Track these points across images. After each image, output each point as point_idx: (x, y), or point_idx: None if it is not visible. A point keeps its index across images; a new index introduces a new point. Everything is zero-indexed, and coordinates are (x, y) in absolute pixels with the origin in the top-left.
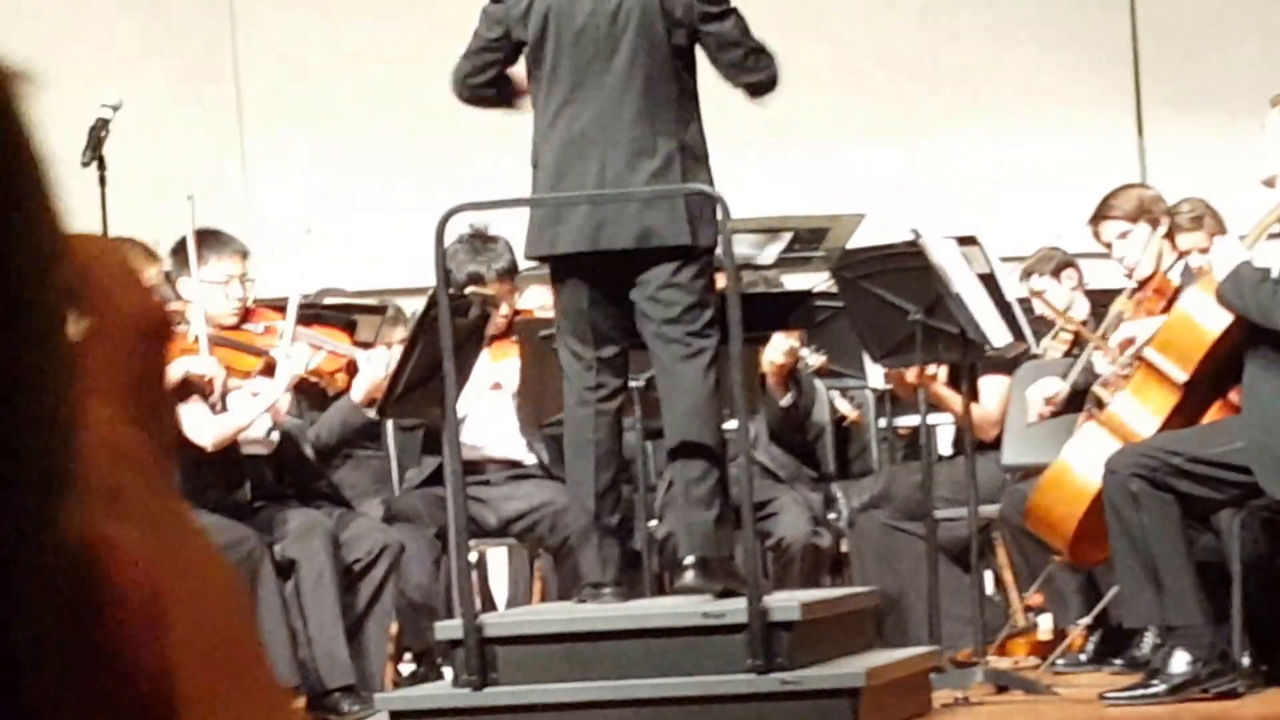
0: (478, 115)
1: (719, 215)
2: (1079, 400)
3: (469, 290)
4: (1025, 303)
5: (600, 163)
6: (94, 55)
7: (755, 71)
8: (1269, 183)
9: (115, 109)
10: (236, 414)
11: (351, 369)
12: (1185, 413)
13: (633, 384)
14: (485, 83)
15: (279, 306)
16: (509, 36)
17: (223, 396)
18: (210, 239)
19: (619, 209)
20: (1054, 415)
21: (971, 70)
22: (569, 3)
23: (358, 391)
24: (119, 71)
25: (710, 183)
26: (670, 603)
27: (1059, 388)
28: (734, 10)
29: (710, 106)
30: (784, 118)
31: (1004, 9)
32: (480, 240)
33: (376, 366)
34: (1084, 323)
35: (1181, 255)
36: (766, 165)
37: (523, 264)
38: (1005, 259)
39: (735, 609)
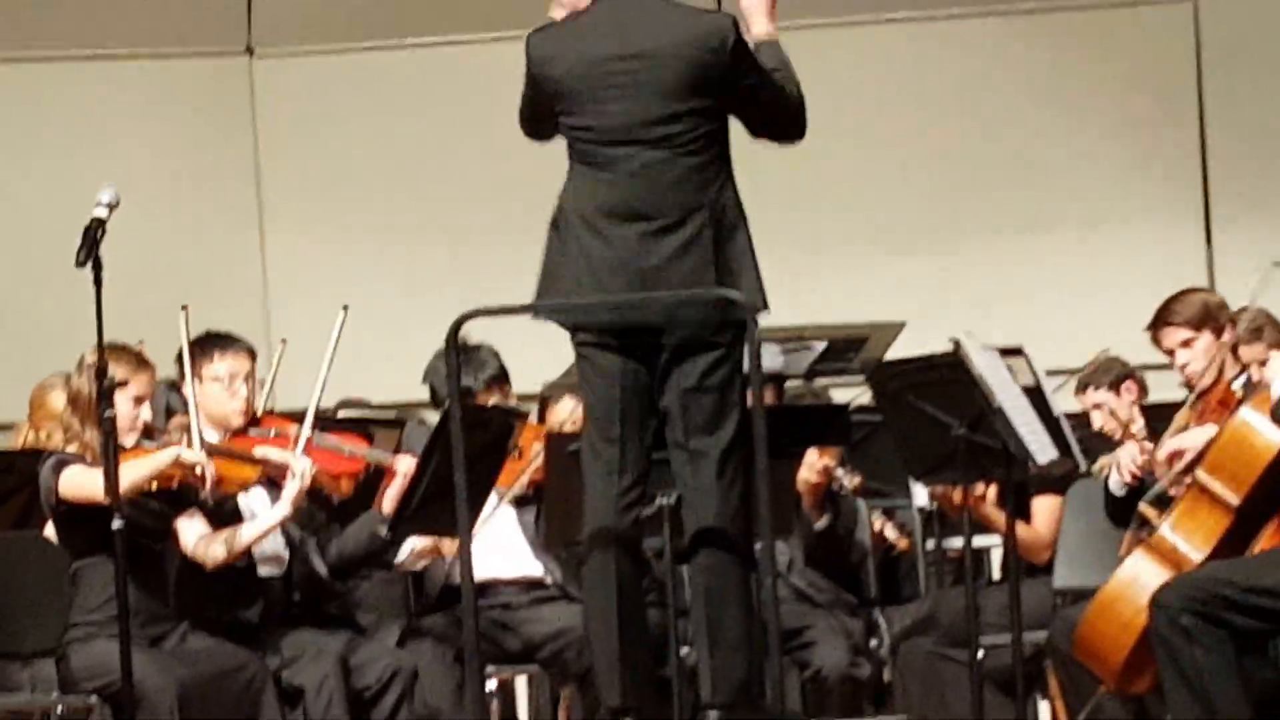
0: (503, 222)
1: (749, 326)
2: (1125, 515)
3: (492, 403)
4: (1083, 417)
5: (625, 235)
6: (111, 155)
7: (788, 134)
8: None
9: (112, 207)
10: (243, 531)
11: (366, 481)
12: (1237, 535)
13: (663, 501)
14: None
15: (292, 417)
16: (553, 108)
17: (213, 493)
18: (215, 339)
19: (651, 288)
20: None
21: (1032, 173)
22: (591, 65)
23: (389, 503)
24: (140, 172)
25: (749, 248)
26: None
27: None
28: (766, 73)
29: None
30: (830, 223)
31: (1066, 112)
32: (462, 351)
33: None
34: (1144, 439)
35: (1244, 367)
36: (805, 270)
37: (553, 374)
38: (1066, 370)
39: None
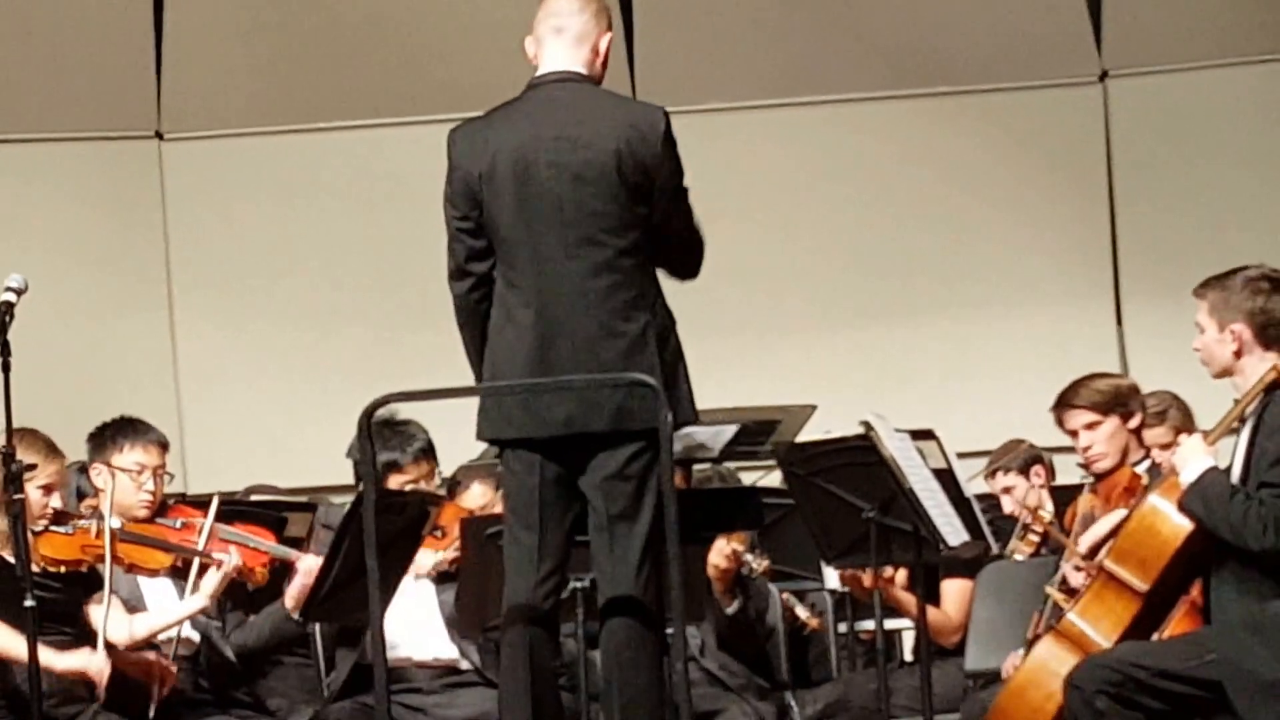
0: (417, 305)
1: (661, 409)
2: None
3: (409, 487)
4: (992, 499)
5: (569, 343)
6: (19, 238)
7: (686, 263)
8: (1218, 376)
9: (19, 292)
10: (153, 617)
11: (280, 569)
12: (1147, 618)
13: (576, 584)
14: (482, 279)
15: (200, 505)
16: (480, 206)
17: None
18: (128, 426)
19: (593, 391)
20: None
21: (943, 255)
22: (525, 167)
23: (291, 599)
24: (48, 255)
25: (681, 354)
26: None
27: None
28: (687, 191)
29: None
30: (740, 306)
31: (976, 193)
32: (389, 427)
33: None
34: (1052, 522)
35: (1147, 451)
36: (716, 353)
37: (468, 455)
38: (978, 453)
39: None
